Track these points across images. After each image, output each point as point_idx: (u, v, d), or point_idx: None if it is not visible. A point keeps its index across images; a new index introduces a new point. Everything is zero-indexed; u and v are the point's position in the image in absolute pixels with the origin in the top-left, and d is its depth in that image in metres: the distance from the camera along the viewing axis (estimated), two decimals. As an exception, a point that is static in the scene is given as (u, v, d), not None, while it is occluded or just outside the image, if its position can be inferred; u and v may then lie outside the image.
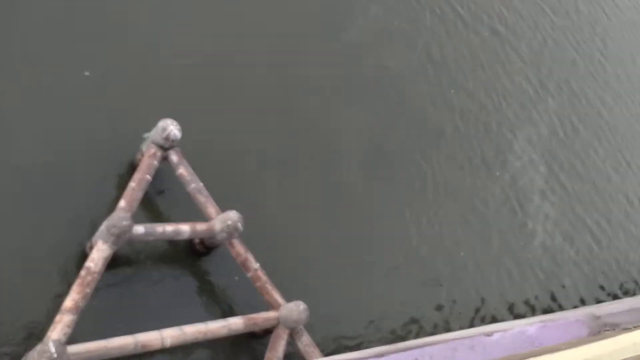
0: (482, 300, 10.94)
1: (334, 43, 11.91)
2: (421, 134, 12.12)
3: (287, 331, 7.64)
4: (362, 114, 11.57)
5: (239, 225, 7.76)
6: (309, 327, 8.04)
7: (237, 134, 9.74)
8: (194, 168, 8.15)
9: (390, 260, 10.31)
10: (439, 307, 10.44)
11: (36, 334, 6.79)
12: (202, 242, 8.16)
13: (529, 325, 9.03)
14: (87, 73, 8.92)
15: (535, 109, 14.43)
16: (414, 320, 10.01)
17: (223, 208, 7.99)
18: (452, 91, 13.07)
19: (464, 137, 12.64)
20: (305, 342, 7.71)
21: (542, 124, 14.33)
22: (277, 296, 7.87)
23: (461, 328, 10.22)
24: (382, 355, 7.50)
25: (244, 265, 7.90)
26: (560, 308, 11.88)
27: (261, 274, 7.88)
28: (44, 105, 8.33)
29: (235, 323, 7.43)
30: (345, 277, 9.69)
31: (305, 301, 7.88)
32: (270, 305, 7.88)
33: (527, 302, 11.48)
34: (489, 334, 8.41)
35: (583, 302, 12.31)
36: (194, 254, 8.32)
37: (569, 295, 12.28)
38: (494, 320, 10.75)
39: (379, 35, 12.66)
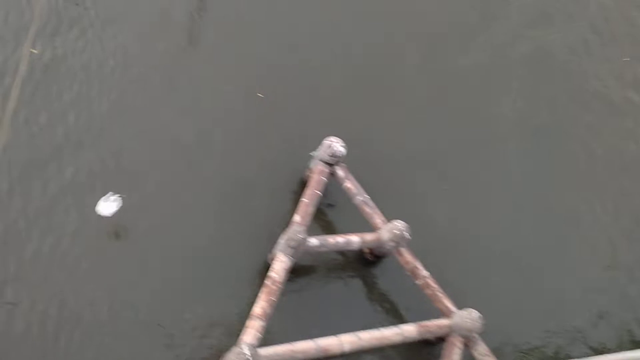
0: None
1: (482, 35, 11.69)
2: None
3: (461, 339, 7.60)
4: (522, 100, 11.13)
5: (406, 234, 7.94)
6: (482, 335, 7.92)
7: (396, 146, 9.93)
8: (358, 181, 8.55)
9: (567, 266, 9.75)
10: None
11: (229, 332, 7.71)
12: (371, 251, 8.49)
13: None
14: (260, 95, 9.95)
15: None
16: (604, 330, 9.34)
17: (389, 218, 8.26)
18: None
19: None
20: (481, 352, 7.59)
21: None
22: (449, 304, 7.87)
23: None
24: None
25: (413, 273, 8.05)
26: None
27: (431, 281, 7.96)
28: (220, 124, 9.42)
29: (408, 330, 7.58)
30: (516, 283, 9.36)
31: (475, 308, 7.80)
32: (441, 313, 7.92)
33: None
34: None
35: None
36: (365, 263, 8.70)
37: None
38: None
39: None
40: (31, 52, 9.12)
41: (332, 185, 8.72)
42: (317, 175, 8.28)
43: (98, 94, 9.10)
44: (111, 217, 8.18)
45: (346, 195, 8.52)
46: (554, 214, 10.13)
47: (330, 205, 8.99)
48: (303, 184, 8.80)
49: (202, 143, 9.20)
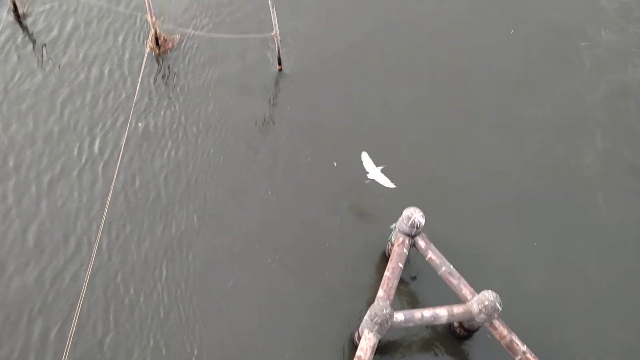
0: None
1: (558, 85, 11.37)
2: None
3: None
4: (604, 144, 10.69)
5: (498, 305, 7.48)
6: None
7: (476, 210, 9.68)
8: (441, 249, 8.27)
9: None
10: None
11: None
12: (461, 325, 8.08)
13: None
14: (335, 164, 10.13)
15: None
16: None
17: (477, 287, 7.86)
18: None
19: None
20: None
21: None
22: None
23: None
24: None
25: (510, 348, 7.52)
26: None
27: (531, 356, 7.39)
28: (299, 200, 9.64)
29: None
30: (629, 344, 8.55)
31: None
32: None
33: None
34: None
35: None
36: (455, 337, 8.27)
37: None
38: None
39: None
40: (138, 125, 10.29)
41: (415, 256, 8.53)
42: (399, 248, 8.13)
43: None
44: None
45: (430, 266, 8.25)
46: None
47: (414, 278, 8.77)
48: (385, 258, 8.69)
49: (284, 217, 9.42)
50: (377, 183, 9.49)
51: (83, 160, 9.74)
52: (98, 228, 8.63)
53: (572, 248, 9.43)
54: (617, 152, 10.68)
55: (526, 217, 9.73)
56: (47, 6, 11.87)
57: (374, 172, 9.40)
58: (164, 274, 8.66)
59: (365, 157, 9.47)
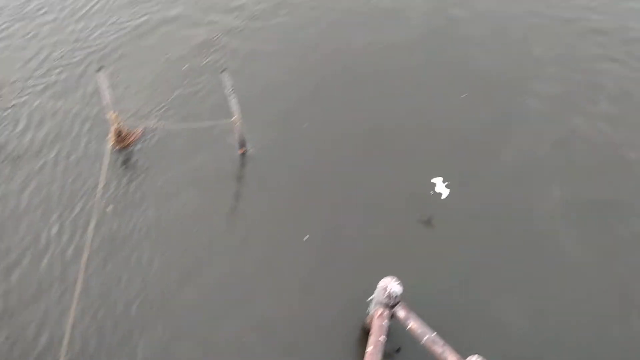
0: None
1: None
2: None
3: None
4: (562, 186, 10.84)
5: (486, 370, 7.25)
6: None
7: (451, 272, 9.61)
8: (423, 317, 8.07)
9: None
10: None
11: None
12: (451, 394, 7.75)
13: None
14: (305, 238, 10.05)
15: None
16: None
17: (464, 354, 7.62)
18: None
19: None
20: None
21: None
22: None
23: None
24: None
25: (504, 414, 7.21)
26: None
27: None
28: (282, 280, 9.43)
29: None
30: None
31: None
32: None
33: None
34: None
35: None
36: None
37: None
38: None
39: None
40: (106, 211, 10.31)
41: (397, 326, 8.29)
42: (379, 320, 7.92)
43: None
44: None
45: (412, 336, 8.01)
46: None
47: (398, 350, 8.49)
48: (365, 333, 8.42)
49: (249, 300, 9.22)
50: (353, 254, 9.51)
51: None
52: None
53: (551, 296, 9.40)
54: (576, 192, 10.90)
55: (504, 270, 9.71)
56: (11, 104, 12.27)
57: (440, 186, 10.60)
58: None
59: (437, 179, 10.89)
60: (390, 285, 7.89)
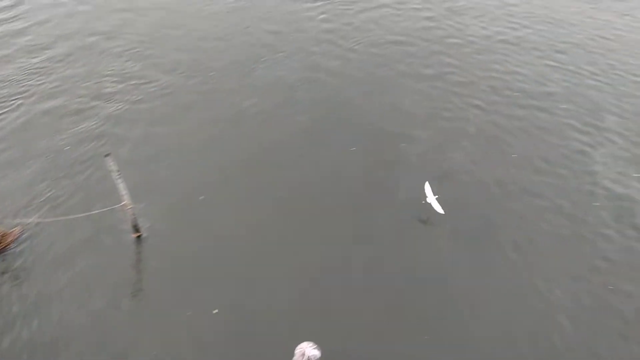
0: None
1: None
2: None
3: None
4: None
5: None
6: None
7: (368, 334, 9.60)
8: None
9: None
10: None
11: None
12: None
13: None
14: (215, 311, 9.66)
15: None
16: None
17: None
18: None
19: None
20: None
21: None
22: None
23: None
24: None
25: None
26: None
27: None
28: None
29: None
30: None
31: None
32: None
33: None
34: None
35: None
36: None
37: None
38: None
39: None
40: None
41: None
42: (301, 389, 7.56)
43: None
44: None
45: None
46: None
47: None
48: (291, 405, 8.00)
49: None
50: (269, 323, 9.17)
51: None
52: None
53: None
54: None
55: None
56: None
57: (431, 198, 10.86)
58: None
59: (427, 186, 11.18)
60: (307, 350, 7.64)
